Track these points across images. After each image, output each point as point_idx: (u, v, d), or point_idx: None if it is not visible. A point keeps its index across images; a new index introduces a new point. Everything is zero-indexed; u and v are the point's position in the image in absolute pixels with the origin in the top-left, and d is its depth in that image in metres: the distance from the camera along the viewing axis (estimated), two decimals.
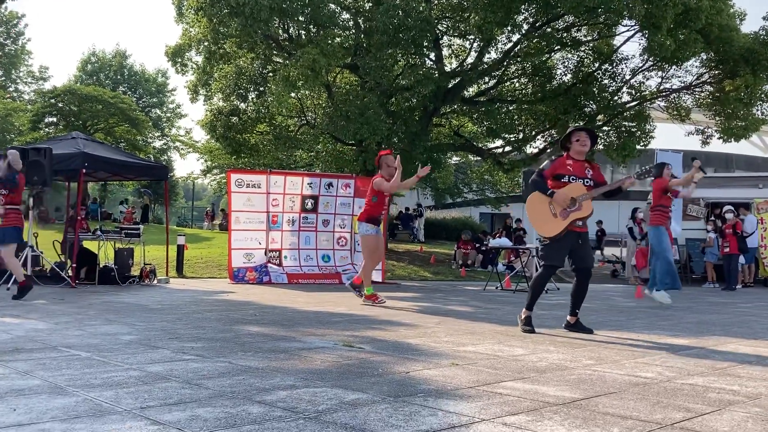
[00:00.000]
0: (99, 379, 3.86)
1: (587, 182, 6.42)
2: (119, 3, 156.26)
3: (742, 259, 16.60)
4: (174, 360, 4.56)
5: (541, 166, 6.76)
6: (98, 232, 12.83)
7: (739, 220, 16.23)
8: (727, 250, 16.02)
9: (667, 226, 10.28)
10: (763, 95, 19.63)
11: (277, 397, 3.50)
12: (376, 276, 15.11)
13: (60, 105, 40.98)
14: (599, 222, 25.22)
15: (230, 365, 4.40)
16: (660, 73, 20.92)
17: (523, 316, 6.63)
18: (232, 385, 3.78)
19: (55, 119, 41.70)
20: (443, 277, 18.11)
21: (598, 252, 24.36)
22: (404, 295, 11.59)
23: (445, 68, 20.73)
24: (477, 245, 21.07)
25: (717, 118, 20.64)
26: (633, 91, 21.18)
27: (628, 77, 20.91)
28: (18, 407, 3.17)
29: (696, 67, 20.59)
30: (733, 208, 16.36)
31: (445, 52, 21.98)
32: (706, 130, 21.72)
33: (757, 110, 20.23)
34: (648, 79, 21.32)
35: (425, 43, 18.42)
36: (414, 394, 3.62)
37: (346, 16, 19.88)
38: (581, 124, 20.96)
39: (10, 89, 57.44)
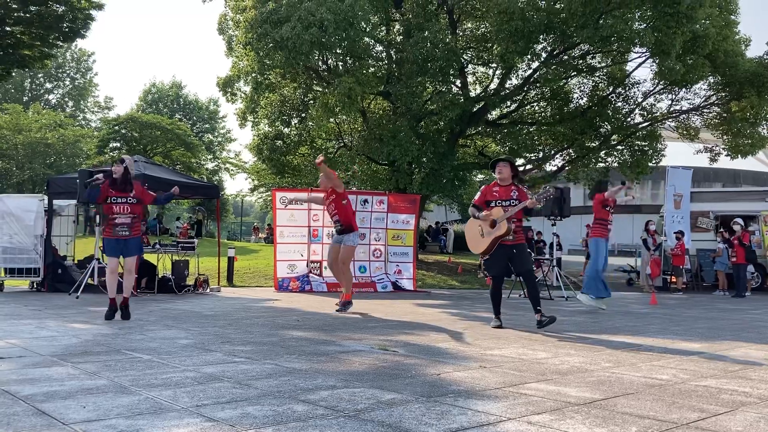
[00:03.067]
0: (159, 380, 3.90)
1: (513, 203, 6.98)
2: (176, 39, 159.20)
3: (751, 268, 16.21)
4: (226, 362, 4.59)
5: (475, 197, 7.37)
6: (157, 246, 12.98)
7: (746, 232, 15.86)
8: (734, 259, 15.71)
9: (606, 238, 10.36)
10: (767, 115, 19.28)
11: (319, 396, 3.50)
12: (408, 285, 15.12)
13: (123, 131, 41.78)
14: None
15: (276, 367, 4.41)
16: (670, 96, 20.69)
17: (492, 320, 7.30)
18: (279, 385, 3.79)
19: (118, 144, 42.50)
20: (470, 285, 17.98)
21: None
22: (434, 302, 11.53)
23: (470, 94, 20.69)
24: None
25: (724, 137, 20.31)
26: (645, 113, 20.93)
27: (640, 100, 20.70)
28: (87, 405, 3.22)
29: (704, 89, 20.33)
30: (740, 221, 16.01)
31: (470, 79, 21.98)
32: (714, 147, 21.37)
33: (763, 129, 19.87)
34: (659, 101, 21.08)
35: (451, 72, 18.45)
36: (445, 395, 3.59)
37: (379, 48, 20.01)
38: (596, 144, 20.79)
39: (79, 118, 58.82)
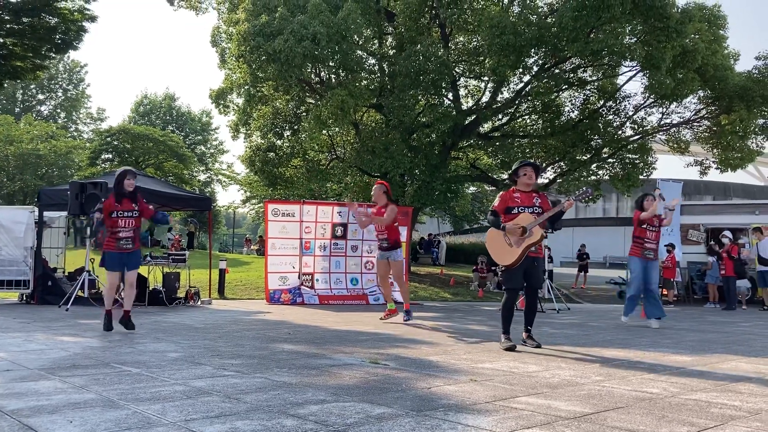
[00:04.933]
0: (147, 394, 3.87)
1: (536, 210, 6.51)
2: (169, 51, 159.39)
3: (747, 283, 16.18)
4: (215, 376, 4.56)
5: (494, 203, 6.80)
6: (148, 258, 12.91)
7: (735, 245, 15.92)
8: (723, 272, 15.75)
9: (643, 257, 9.69)
10: (756, 128, 19.45)
11: (309, 410, 3.47)
12: (399, 297, 15.08)
13: (115, 143, 41.72)
14: (582, 246, 24.58)
15: (266, 381, 4.38)
16: (660, 109, 20.83)
17: (503, 340, 6.54)
18: (268, 399, 3.77)
19: (110, 156, 42.43)
20: (462, 298, 17.98)
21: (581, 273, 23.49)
22: (426, 315, 11.51)
23: (462, 107, 20.79)
24: (493, 268, 20.91)
25: (714, 150, 20.46)
26: (636, 126, 21.08)
27: (630, 113, 20.85)
28: (74, 420, 3.19)
29: (694, 103, 20.49)
30: (729, 234, 16.07)
31: (462, 92, 22.08)
32: (704, 161, 21.51)
33: (752, 142, 20.02)
34: (649, 114, 21.25)
35: (443, 85, 18.53)
36: (435, 409, 3.58)
37: (371, 61, 20.09)
38: (587, 157, 20.88)
39: (71, 129, 58.71)
